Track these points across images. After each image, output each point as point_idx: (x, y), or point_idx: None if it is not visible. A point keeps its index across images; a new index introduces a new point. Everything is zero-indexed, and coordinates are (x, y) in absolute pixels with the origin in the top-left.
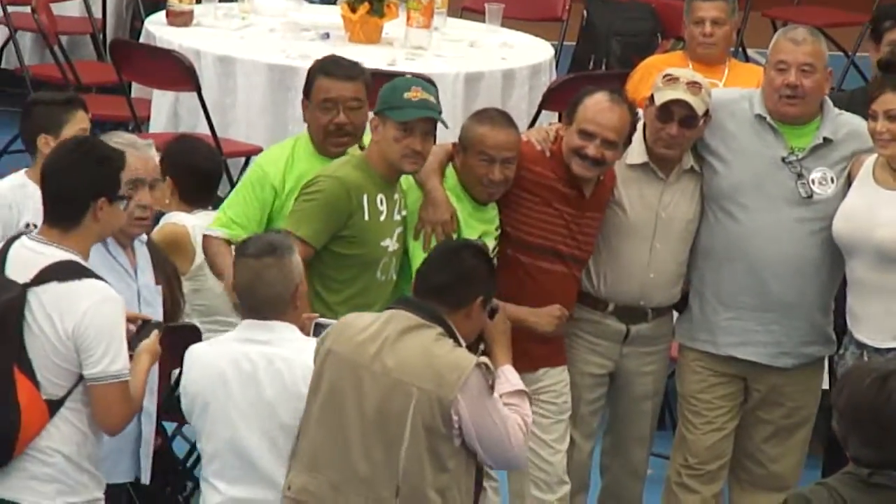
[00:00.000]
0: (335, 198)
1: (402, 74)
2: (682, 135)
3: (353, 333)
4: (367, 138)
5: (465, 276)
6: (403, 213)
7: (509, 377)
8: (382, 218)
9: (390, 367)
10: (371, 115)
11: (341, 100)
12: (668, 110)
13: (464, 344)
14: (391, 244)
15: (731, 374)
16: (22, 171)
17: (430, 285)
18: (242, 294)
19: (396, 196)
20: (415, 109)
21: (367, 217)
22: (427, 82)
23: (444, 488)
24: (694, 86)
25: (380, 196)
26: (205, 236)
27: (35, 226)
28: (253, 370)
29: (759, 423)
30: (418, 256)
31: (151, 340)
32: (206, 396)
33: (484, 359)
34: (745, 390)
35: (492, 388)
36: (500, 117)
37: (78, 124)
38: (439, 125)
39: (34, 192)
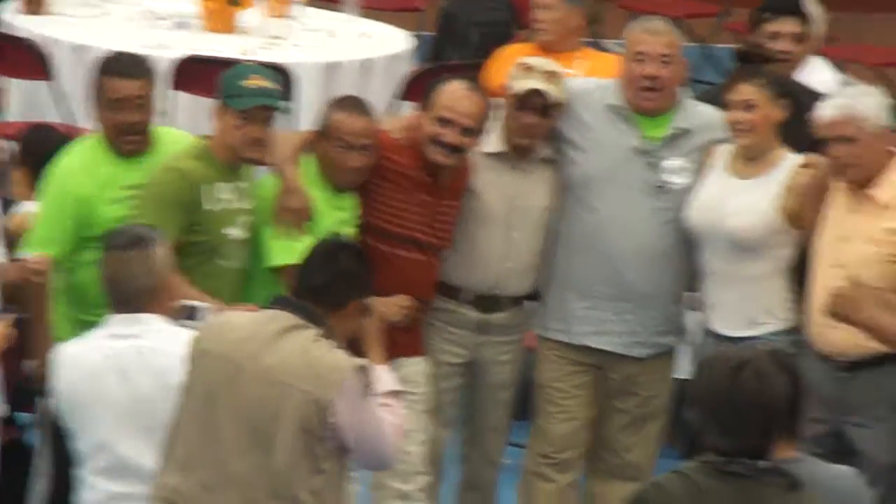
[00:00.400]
0: (173, 189)
1: (260, 64)
2: (540, 123)
3: (230, 332)
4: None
5: (343, 278)
6: (250, 201)
7: (383, 377)
8: (225, 206)
9: (269, 366)
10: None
11: (130, 98)
12: (525, 100)
13: (341, 344)
14: (235, 232)
15: (587, 363)
16: None
17: (309, 286)
18: (109, 287)
19: (241, 184)
20: (253, 97)
21: (206, 206)
22: (275, 71)
23: (319, 490)
24: (550, 74)
25: (221, 184)
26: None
27: None
28: (124, 366)
29: (615, 413)
30: (272, 243)
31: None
32: (78, 395)
33: (362, 360)
34: (600, 379)
35: (369, 389)
36: (357, 104)
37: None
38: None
39: None
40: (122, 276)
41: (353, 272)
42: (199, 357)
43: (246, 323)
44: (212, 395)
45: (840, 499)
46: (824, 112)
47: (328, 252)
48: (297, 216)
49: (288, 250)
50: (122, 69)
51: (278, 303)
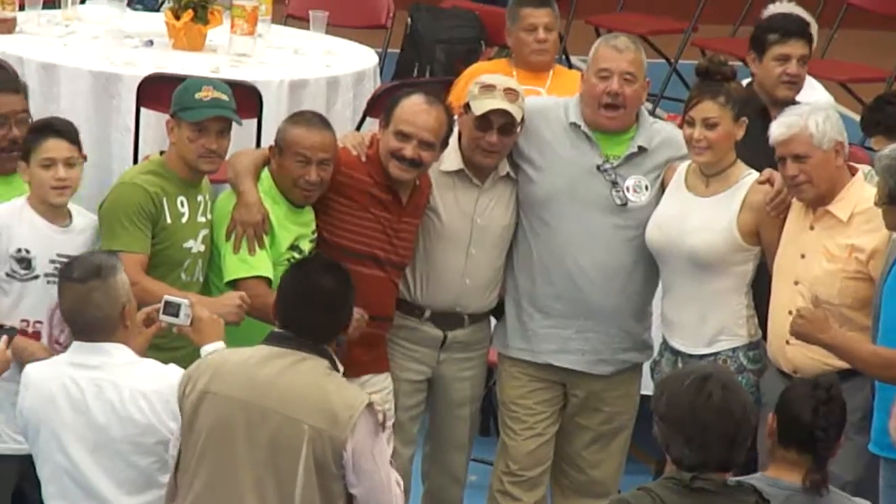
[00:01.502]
0: (137, 202)
1: (226, 81)
2: (501, 142)
3: (234, 370)
4: None
5: (334, 308)
6: (209, 215)
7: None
8: (185, 220)
9: (281, 402)
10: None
11: (10, 115)
12: (488, 119)
13: (341, 369)
14: (195, 245)
15: (550, 379)
16: (23, 197)
17: (304, 324)
18: (69, 317)
19: (200, 198)
20: (207, 109)
21: (168, 220)
22: (241, 88)
23: None
24: (510, 93)
25: (180, 198)
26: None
27: (27, 251)
28: (82, 397)
29: (579, 430)
30: (229, 257)
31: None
32: (38, 419)
33: (374, 397)
34: (564, 396)
35: (382, 426)
36: (315, 119)
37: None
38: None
39: (31, 218)
40: (83, 308)
41: (342, 297)
42: (199, 398)
43: (248, 360)
44: (224, 436)
45: None
46: (776, 130)
47: (311, 284)
48: (252, 230)
49: (244, 264)
50: (4, 84)
51: (279, 339)
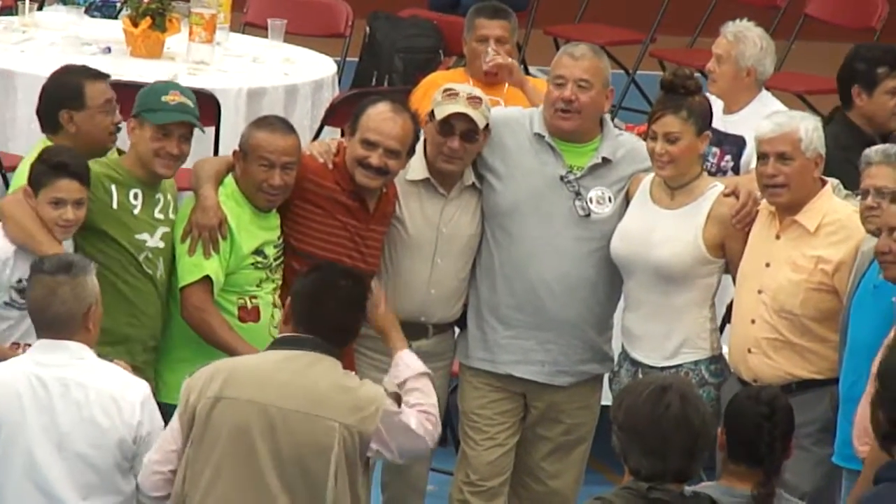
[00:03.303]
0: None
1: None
2: (464, 148)
3: (249, 375)
4: None
5: (352, 311)
6: (171, 214)
7: (409, 362)
8: (136, 212)
9: (306, 402)
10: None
11: (111, 100)
12: (449, 124)
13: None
14: (150, 240)
15: (511, 390)
16: None
17: (323, 326)
18: (35, 310)
19: (159, 196)
20: (173, 112)
21: (115, 206)
22: (199, 96)
23: None
24: (474, 100)
25: (134, 191)
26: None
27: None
28: (47, 396)
29: (539, 441)
30: (183, 260)
31: None
32: (0, 419)
33: (387, 383)
34: (524, 406)
35: (398, 404)
36: (279, 123)
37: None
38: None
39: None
40: (49, 301)
41: (357, 301)
42: (216, 406)
43: (261, 364)
44: (244, 443)
45: None
46: (765, 127)
47: (333, 288)
48: (208, 233)
49: (196, 267)
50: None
51: (291, 342)
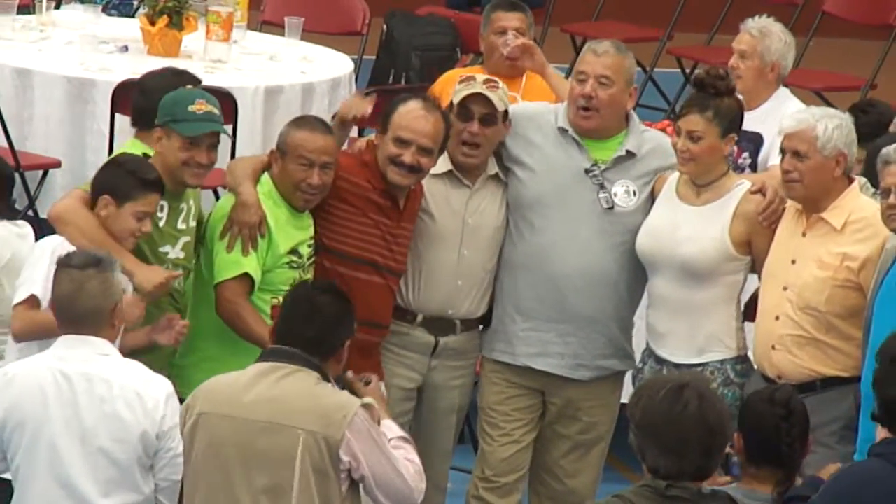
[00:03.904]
0: None
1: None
2: (483, 133)
3: (224, 390)
4: None
5: (331, 325)
6: (192, 222)
7: (391, 427)
8: (161, 224)
9: (272, 412)
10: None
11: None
12: (468, 108)
13: (332, 383)
14: (172, 252)
15: (529, 386)
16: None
17: (299, 338)
18: (62, 305)
19: (183, 205)
20: (201, 123)
21: None
22: (218, 94)
23: None
24: (491, 83)
25: (160, 203)
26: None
27: None
28: (71, 391)
29: (557, 439)
30: (220, 256)
31: None
32: (22, 415)
33: (368, 399)
34: (542, 404)
35: (377, 425)
36: (318, 123)
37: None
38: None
39: None
40: (77, 295)
41: (339, 317)
42: (194, 421)
43: (234, 379)
44: (218, 455)
45: None
46: (786, 122)
47: (309, 301)
48: (248, 231)
49: (235, 264)
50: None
51: (272, 354)
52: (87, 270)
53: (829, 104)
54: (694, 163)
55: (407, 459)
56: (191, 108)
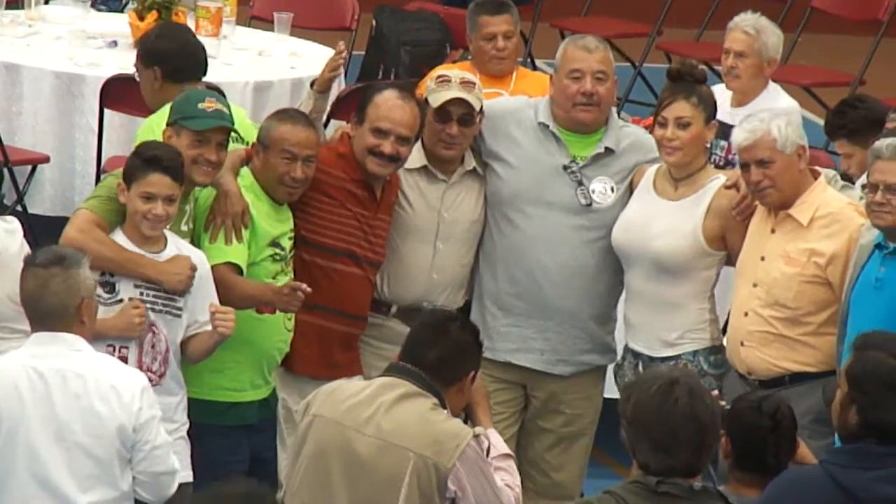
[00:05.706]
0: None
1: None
2: (462, 133)
3: (343, 398)
4: None
5: (458, 353)
6: (192, 224)
7: (494, 441)
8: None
9: (386, 431)
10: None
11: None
12: (446, 111)
13: (448, 411)
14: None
15: (511, 380)
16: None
17: (424, 360)
18: (28, 303)
19: (186, 207)
20: (211, 119)
21: None
22: (215, 91)
23: None
24: (467, 83)
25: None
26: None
27: (111, 274)
28: (46, 388)
29: (541, 432)
30: (205, 247)
31: None
32: (0, 413)
33: (479, 429)
34: (525, 397)
35: (487, 456)
36: (299, 116)
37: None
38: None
39: (122, 242)
40: (42, 293)
41: (466, 346)
42: (309, 422)
43: (358, 390)
44: (323, 460)
45: None
46: (739, 136)
47: (439, 325)
48: (231, 220)
49: (219, 252)
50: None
51: (395, 370)
52: (51, 269)
53: (819, 100)
54: (682, 151)
55: (507, 486)
56: (200, 105)
